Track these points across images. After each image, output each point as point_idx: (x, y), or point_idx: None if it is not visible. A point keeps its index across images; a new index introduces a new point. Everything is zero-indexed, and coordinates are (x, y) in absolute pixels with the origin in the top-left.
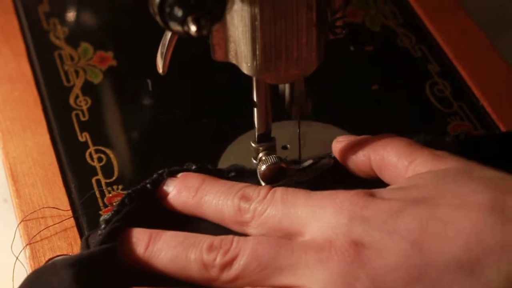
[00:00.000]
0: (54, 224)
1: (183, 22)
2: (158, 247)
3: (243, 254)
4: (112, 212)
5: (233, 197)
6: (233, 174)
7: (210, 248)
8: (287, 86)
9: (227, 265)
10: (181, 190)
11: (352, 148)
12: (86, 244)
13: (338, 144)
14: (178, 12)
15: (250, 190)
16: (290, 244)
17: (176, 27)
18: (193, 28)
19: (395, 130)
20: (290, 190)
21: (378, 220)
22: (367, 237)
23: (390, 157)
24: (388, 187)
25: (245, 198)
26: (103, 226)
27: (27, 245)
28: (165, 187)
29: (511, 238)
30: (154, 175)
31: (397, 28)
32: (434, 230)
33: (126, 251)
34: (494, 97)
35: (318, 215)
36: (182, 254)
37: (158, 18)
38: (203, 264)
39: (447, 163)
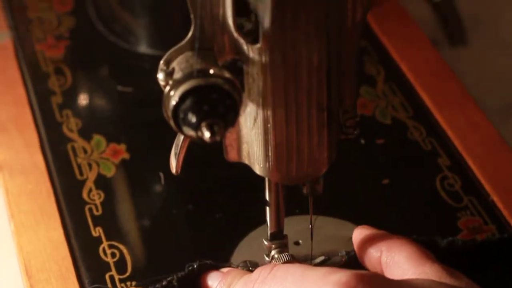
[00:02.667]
0: None
1: (197, 128)
2: None
3: None
4: None
5: None
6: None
7: None
8: None
9: None
10: None
11: (369, 241)
12: None
13: (357, 234)
14: (192, 118)
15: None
16: None
17: (190, 132)
18: (207, 134)
19: (405, 225)
20: (289, 268)
21: None
22: None
23: (400, 259)
24: (391, 279)
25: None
26: None
27: None
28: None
29: None
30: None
31: (407, 121)
32: None
33: None
34: (504, 192)
35: None
36: None
37: (172, 123)
38: None
39: (451, 279)
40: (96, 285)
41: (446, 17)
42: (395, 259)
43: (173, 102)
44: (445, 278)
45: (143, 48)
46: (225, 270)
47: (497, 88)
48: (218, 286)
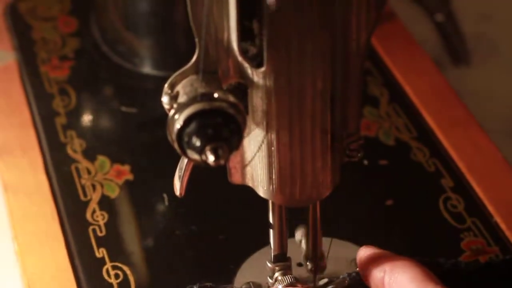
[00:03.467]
0: None
1: (201, 151)
2: None
3: None
4: None
5: None
6: None
7: None
8: (303, 240)
9: None
10: None
11: (373, 261)
12: None
13: (362, 253)
14: (197, 142)
15: None
16: None
17: (194, 155)
18: (211, 158)
19: (408, 246)
20: None
21: None
22: None
23: (403, 280)
24: None
25: None
26: None
27: None
28: None
29: None
30: None
31: (411, 142)
32: None
33: None
34: (507, 213)
35: None
36: None
37: (176, 146)
38: None
39: None
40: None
41: (449, 37)
42: (398, 279)
43: (178, 126)
44: None
45: (147, 69)
46: None
47: (501, 109)
48: None
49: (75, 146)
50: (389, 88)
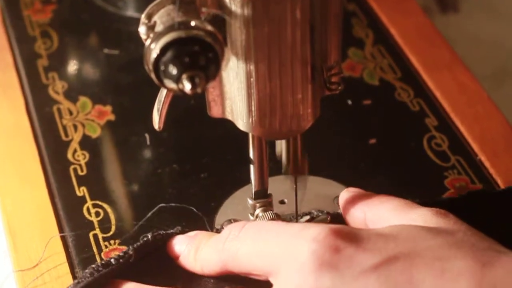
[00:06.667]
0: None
1: (177, 80)
2: None
3: None
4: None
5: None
6: None
7: None
8: (283, 145)
9: None
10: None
11: (352, 202)
12: None
13: (345, 195)
14: (173, 70)
15: (225, 230)
16: None
17: (171, 85)
18: (187, 87)
19: (392, 184)
20: (263, 225)
21: (350, 274)
22: None
23: (384, 213)
24: (370, 230)
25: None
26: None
27: None
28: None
29: None
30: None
31: (395, 82)
32: None
33: None
34: (491, 151)
35: (289, 255)
36: None
37: (153, 76)
38: None
39: (438, 220)
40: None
41: None
42: (380, 213)
43: (154, 55)
44: (430, 220)
45: (130, 12)
46: (192, 234)
47: (489, 54)
48: (186, 249)
49: (56, 88)
50: (374, 29)
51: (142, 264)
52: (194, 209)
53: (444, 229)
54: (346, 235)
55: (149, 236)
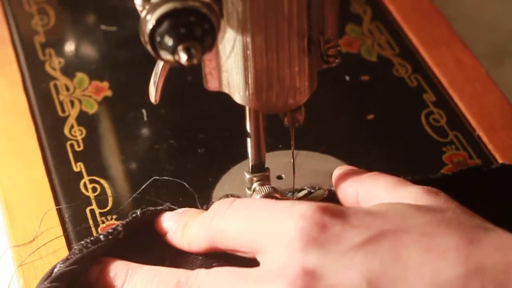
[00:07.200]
0: (46, 243)
1: (173, 51)
2: (132, 284)
3: None
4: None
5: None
6: None
7: (177, 284)
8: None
9: None
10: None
11: (344, 179)
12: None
13: (337, 172)
14: (169, 41)
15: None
16: (245, 276)
17: (167, 56)
18: (183, 58)
19: (390, 160)
20: (251, 202)
21: (337, 251)
22: (322, 268)
23: (376, 190)
24: (358, 208)
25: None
26: (60, 265)
27: (19, 266)
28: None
29: None
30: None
31: (393, 58)
32: (394, 273)
33: (104, 284)
34: (489, 127)
35: (276, 233)
36: None
37: (149, 47)
38: None
39: (428, 198)
40: None
41: None
42: (372, 191)
43: (150, 26)
44: (420, 198)
45: None
46: (180, 211)
47: (488, 33)
48: (174, 226)
49: (53, 64)
50: (372, 5)
51: (131, 241)
52: (186, 185)
53: (433, 207)
54: (334, 212)
55: (138, 213)
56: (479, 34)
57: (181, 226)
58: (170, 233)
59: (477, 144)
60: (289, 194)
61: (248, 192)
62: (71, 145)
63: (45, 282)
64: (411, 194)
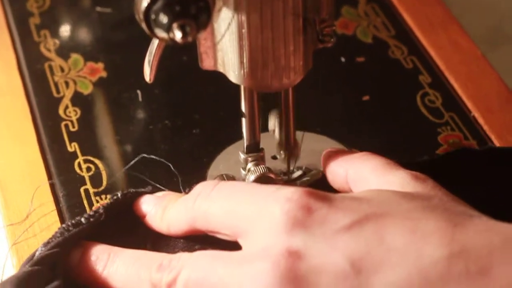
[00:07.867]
0: (39, 219)
1: (168, 29)
2: (114, 268)
3: (184, 272)
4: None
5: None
6: None
7: (159, 267)
8: (276, 128)
9: (172, 283)
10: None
11: (334, 159)
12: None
13: (327, 153)
14: (164, 19)
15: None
16: (227, 258)
17: (162, 34)
18: (178, 35)
19: (385, 141)
20: (236, 185)
21: (322, 233)
22: (306, 249)
23: (364, 172)
24: (343, 194)
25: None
26: (41, 248)
27: (13, 244)
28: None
29: (455, 276)
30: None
31: (389, 40)
32: (378, 254)
33: (86, 268)
34: (485, 108)
35: (261, 216)
36: (135, 274)
37: (143, 25)
38: (152, 283)
39: (415, 184)
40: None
41: None
42: (361, 172)
43: (145, 3)
44: (408, 184)
45: None
46: (159, 194)
47: (485, 18)
48: (154, 209)
49: (48, 45)
50: None
51: (113, 223)
52: (171, 166)
53: (420, 194)
54: (320, 196)
55: (119, 195)
56: (475, 16)
57: (160, 209)
58: (149, 216)
59: (473, 125)
60: (284, 175)
61: (243, 172)
62: (66, 126)
63: (27, 266)
64: (398, 180)
